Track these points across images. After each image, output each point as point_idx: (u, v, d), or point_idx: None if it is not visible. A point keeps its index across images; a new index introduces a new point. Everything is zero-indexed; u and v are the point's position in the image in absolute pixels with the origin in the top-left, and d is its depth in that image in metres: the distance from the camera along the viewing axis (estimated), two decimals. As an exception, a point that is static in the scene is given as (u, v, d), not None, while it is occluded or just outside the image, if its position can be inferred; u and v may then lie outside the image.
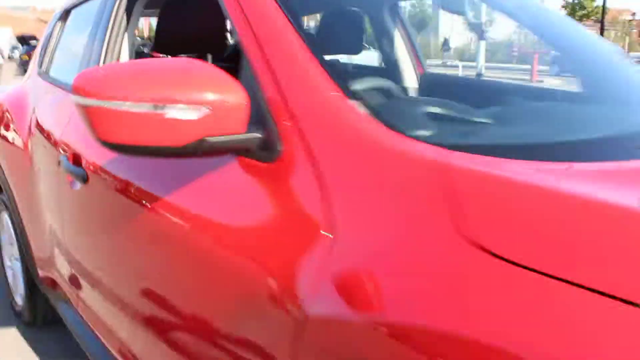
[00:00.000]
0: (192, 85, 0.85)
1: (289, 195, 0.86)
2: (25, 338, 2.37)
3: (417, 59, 2.19)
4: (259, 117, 0.90)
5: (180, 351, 1.12)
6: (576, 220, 0.62)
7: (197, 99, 0.84)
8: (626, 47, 26.95)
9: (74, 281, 1.74)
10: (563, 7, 30.08)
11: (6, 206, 2.34)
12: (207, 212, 0.99)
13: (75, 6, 2.13)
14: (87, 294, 1.67)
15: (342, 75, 1.01)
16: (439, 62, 22.91)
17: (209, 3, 1.21)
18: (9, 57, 34.68)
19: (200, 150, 0.88)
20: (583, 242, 0.59)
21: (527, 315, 0.54)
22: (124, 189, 1.26)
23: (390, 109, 1.04)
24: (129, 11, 1.62)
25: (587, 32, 1.71)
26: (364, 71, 1.76)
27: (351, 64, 1.66)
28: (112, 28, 1.61)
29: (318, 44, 1.23)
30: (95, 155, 1.37)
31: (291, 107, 0.88)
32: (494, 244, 0.61)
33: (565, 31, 1.60)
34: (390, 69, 2.11)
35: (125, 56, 1.62)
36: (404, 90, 1.36)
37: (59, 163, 1.56)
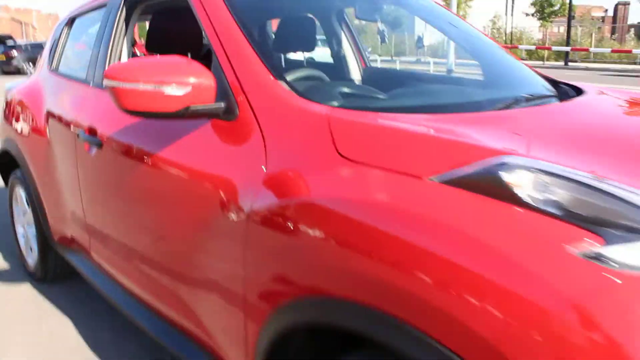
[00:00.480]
0: (180, 73, 1.36)
1: (242, 141, 1.38)
2: (38, 291, 2.85)
3: (361, 56, 2.73)
4: (223, 93, 1.42)
5: (167, 270, 1.64)
6: (400, 138, 1.14)
7: (183, 82, 1.35)
8: (593, 43, 27.74)
9: (89, 234, 2.23)
10: (532, 4, 30.98)
11: (21, 181, 2.82)
12: (189, 157, 1.50)
13: (78, 15, 2.63)
14: (100, 242, 2.16)
15: (274, 66, 1.53)
16: (414, 59, 23.58)
17: (189, 15, 1.72)
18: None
19: (185, 115, 1.39)
20: (403, 147, 1.10)
21: (373, 190, 1.06)
22: (129, 148, 1.77)
23: (304, 86, 1.56)
24: (127, 20, 2.13)
25: (485, 37, 2.29)
26: (293, 64, 2.25)
27: (285, 59, 2.14)
28: (115, 33, 2.12)
29: (264, 45, 1.75)
30: (106, 127, 1.88)
31: (242, 87, 1.40)
32: (352, 154, 1.13)
33: (473, 35, 2.19)
34: (336, 63, 2.64)
35: (125, 55, 2.13)
36: (323, 75, 1.86)
37: (77, 136, 2.05)
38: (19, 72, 22.03)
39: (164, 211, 1.65)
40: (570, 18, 26.34)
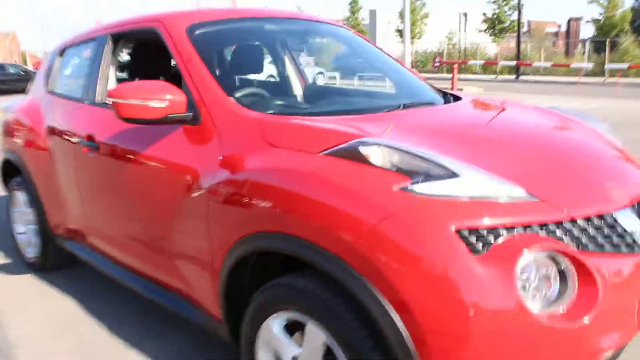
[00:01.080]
0: (161, 92, 1.98)
1: (204, 140, 1.99)
2: (40, 279, 3.37)
3: (301, 75, 3.37)
4: (190, 106, 2.04)
5: (152, 241, 2.24)
6: (304, 130, 1.77)
7: (163, 98, 1.97)
8: (542, 58, 29.27)
9: (87, 223, 2.79)
10: (484, 21, 32.50)
11: (21, 186, 3.35)
12: (166, 153, 2.11)
13: (69, 47, 3.22)
14: (97, 228, 2.73)
15: (226, 85, 2.14)
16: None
17: (161, 48, 2.34)
18: None
19: (164, 121, 2.01)
20: (305, 136, 1.74)
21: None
22: (120, 149, 2.37)
23: (246, 100, 2.17)
24: (113, 51, 2.74)
25: (395, 62, 2.99)
26: (244, 83, 2.83)
27: (238, 79, 2.73)
28: (103, 62, 2.72)
29: (221, 69, 2.38)
30: (101, 134, 2.47)
31: (204, 101, 2.03)
32: (275, 142, 1.77)
33: (380, 56, 2.90)
34: (281, 81, 3.28)
35: (112, 79, 2.73)
36: (263, 92, 2.49)
37: (78, 143, 2.63)
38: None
39: (147, 195, 2.25)
40: (519, 34, 27.86)
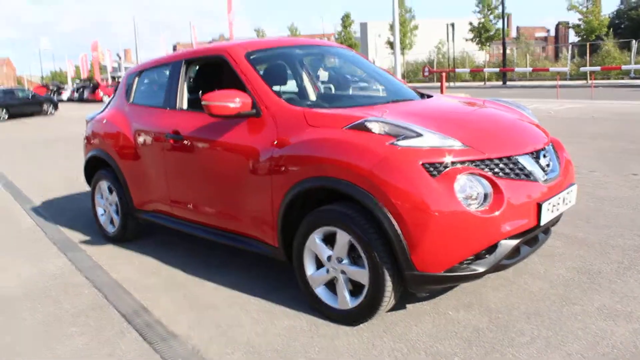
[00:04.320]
0: (235, 97, 3.07)
1: (264, 128, 3.08)
2: (121, 248, 4.44)
3: (315, 85, 4.47)
4: (254, 105, 3.13)
5: (227, 200, 3.32)
6: (331, 116, 2.86)
7: (234, 100, 3.06)
8: (527, 63, 30.65)
9: (167, 198, 3.86)
10: (471, 30, 33.93)
11: (105, 176, 4.43)
12: (237, 138, 3.19)
13: (145, 69, 4.34)
14: (178, 199, 3.79)
15: (275, 91, 3.23)
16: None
17: (223, 68, 3.44)
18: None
19: (238, 116, 3.10)
20: (333, 118, 2.82)
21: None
22: (200, 139, 3.45)
23: (291, 100, 3.24)
24: (186, 72, 3.84)
25: (385, 72, 4.09)
26: (285, 89, 3.89)
27: (282, 88, 3.76)
28: (180, 79, 3.81)
29: (269, 80, 3.46)
30: (185, 129, 3.56)
31: (263, 101, 3.12)
32: (313, 124, 2.86)
33: (379, 71, 4.01)
34: (302, 91, 4.36)
35: (185, 91, 3.81)
36: (297, 96, 3.56)
37: (164, 137, 3.71)
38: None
39: (222, 168, 3.32)
40: (504, 42, 29.21)
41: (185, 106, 3.78)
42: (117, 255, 4.23)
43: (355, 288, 2.75)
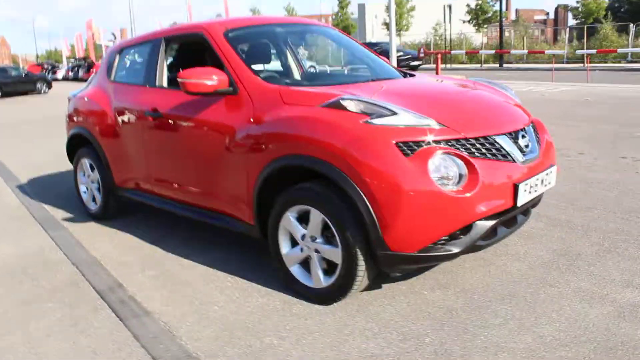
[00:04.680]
0: (212, 74, 3.01)
1: (240, 105, 3.03)
2: (102, 225, 4.41)
3: (300, 64, 4.40)
4: (231, 82, 3.07)
5: (203, 178, 3.27)
6: (307, 93, 2.82)
7: (212, 78, 3.00)
8: (525, 46, 30.43)
9: (148, 176, 3.82)
10: (468, 12, 33.62)
11: (87, 154, 4.38)
12: (214, 116, 3.14)
13: (125, 47, 4.26)
14: (158, 177, 3.75)
15: (252, 69, 3.17)
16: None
17: (203, 45, 3.37)
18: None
19: (215, 93, 3.05)
20: (308, 96, 2.78)
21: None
22: (178, 116, 3.40)
23: (267, 77, 3.20)
24: (165, 49, 3.77)
25: (368, 51, 4.03)
26: (264, 67, 3.84)
27: (261, 66, 3.72)
28: (159, 57, 3.75)
29: (248, 58, 3.40)
30: (163, 107, 3.50)
31: (240, 79, 3.07)
32: (288, 101, 2.81)
33: (363, 50, 3.95)
34: (283, 69, 4.30)
35: (165, 69, 3.75)
36: (276, 74, 3.50)
37: (143, 115, 3.65)
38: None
39: (200, 146, 3.28)
40: (501, 24, 28.94)
41: (165, 84, 3.72)
42: (98, 233, 4.20)
43: (330, 267, 2.73)
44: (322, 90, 2.86)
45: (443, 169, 2.42)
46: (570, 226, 3.79)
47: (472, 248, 2.60)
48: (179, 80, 3.03)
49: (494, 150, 2.59)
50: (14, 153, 8.39)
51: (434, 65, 19.56)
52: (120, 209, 4.48)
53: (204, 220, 3.42)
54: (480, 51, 29.12)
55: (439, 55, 18.96)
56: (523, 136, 2.78)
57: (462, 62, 32.22)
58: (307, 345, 2.43)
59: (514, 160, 2.64)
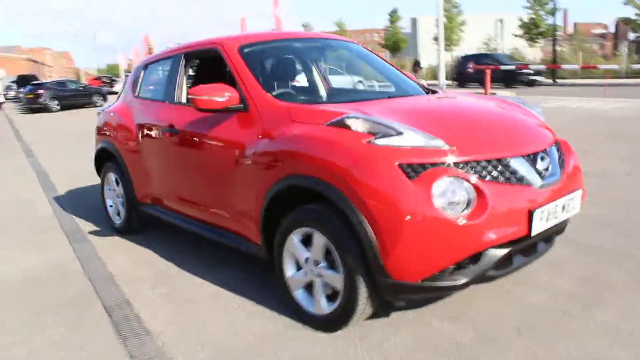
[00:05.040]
0: (222, 91, 2.99)
1: (251, 122, 2.99)
2: (125, 240, 4.46)
3: (326, 81, 4.33)
4: (242, 99, 3.04)
5: (215, 196, 3.24)
6: (315, 112, 2.73)
7: (223, 95, 2.97)
8: (580, 61, 29.28)
9: (165, 192, 3.84)
10: (520, 26, 32.72)
11: (113, 169, 4.45)
12: (226, 132, 3.11)
13: (150, 63, 4.32)
14: (174, 194, 3.76)
15: (265, 85, 3.13)
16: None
17: (219, 61, 3.36)
18: (5, 96, 36.50)
19: (225, 110, 3.02)
20: (315, 114, 2.70)
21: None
22: (192, 133, 3.39)
23: (280, 95, 3.14)
24: (185, 65, 3.79)
25: (394, 68, 3.93)
26: (278, 84, 3.62)
27: (274, 81, 3.60)
28: (179, 73, 3.77)
29: (262, 74, 3.36)
30: (179, 123, 3.51)
31: (251, 96, 3.02)
32: (297, 119, 2.74)
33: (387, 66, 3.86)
34: (309, 85, 4.24)
35: (184, 85, 3.77)
36: (291, 91, 3.45)
37: (161, 130, 3.68)
38: (45, 109, 24.20)
39: (212, 163, 3.25)
40: (554, 38, 28.03)
41: (184, 100, 3.73)
42: (118, 247, 4.25)
43: (334, 293, 2.62)
44: (331, 108, 2.78)
45: (449, 193, 2.27)
46: (603, 252, 3.53)
47: (482, 278, 2.43)
48: (189, 96, 3.02)
49: (507, 174, 2.42)
50: (59, 164, 8.71)
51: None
52: (144, 223, 4.52)
53: (215, 238, 3.38)
54: (530, 66, 28.18)
55: (488, 71, 18.43)
56: (543, 158, 2.59)
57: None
58: (302, 374, 2.32)
59: (530, 185, 2.46)
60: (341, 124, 2.51)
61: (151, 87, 4.29)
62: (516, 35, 33.67)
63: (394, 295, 2.44)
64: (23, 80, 36.67)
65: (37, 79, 34.46)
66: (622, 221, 4.16)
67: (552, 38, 29.77)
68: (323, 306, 2.64)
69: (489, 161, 2.40)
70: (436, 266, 2.30)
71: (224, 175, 3.13)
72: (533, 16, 32.08)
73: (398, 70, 3.94)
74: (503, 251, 2.39)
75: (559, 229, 2.87)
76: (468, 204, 2.28)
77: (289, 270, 2.79)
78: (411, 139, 2.37)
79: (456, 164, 2.34)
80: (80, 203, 5.80)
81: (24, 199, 6.19)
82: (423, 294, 2.47)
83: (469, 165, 2.36)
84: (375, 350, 2.48)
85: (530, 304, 2.86)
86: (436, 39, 17.47)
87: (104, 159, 4.65)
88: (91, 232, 4.67)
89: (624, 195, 4.89)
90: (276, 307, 2.96)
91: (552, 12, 28.76)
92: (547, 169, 2.59)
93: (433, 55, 41.06)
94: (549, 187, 2.54)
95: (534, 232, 2.42)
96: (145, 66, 4.40)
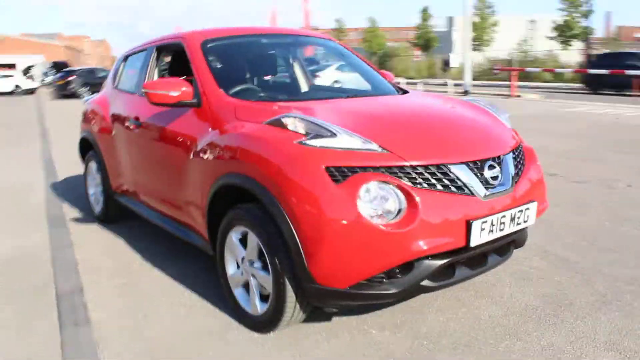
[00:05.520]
0: (177, 86, 2.96)
1: (203, 117, 2.94)
2: (102, 228, 4.49)
3: (308, 78, 4.24)
4: (196, 95, 3.00)
5: (170, 188, 3.22)
6: (254, 109, 2.67)
7: (176, 89, 2.94)
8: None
9: (133, 182, 3.85)
10: (554, 28, 31.75)
11: (93, 158, 4.49)
12: (180, 126, 3.08)
13: (130, 54, 4.33)
14: (140, 184, 3.77)
15: (220, 81, 3.07)
16: (441, 81, 25.52)
17: (183, 56, 3.33)
18: (42, 82, 37.36)
19: (179, 105, 2.99)
20: (255, 111, 2.64)
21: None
22: (151, 126, 3.38)
23: (232, 91, 3.08)
24: (157, 58, 3.78)
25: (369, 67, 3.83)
26: (234, 80, 3.40)
27: (229, 77, 3.42)
28: (150, 65, 3.76)
29: (221, 70, 3.31)
30: (142, 116, 3.50)
31: (204, 93, 2.98)
32: (241, 117, 2.68)
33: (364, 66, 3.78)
34: (270, 82, 4.08)
35: (155, 77, 3.76)
36: (257, 89, 3.40)
37: (129, 123, 3.68)
38: (74, 95, 24.76)
39: (167, 156, 3.22)
40: (588, 42, 27.14)
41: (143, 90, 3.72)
42: (93, 235, 4.28)
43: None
44: (274, 107, 2.71)
45: (376, 199, 2.18)
46: (576, 269, 3.36)
47: (417, 289, 2.34)
48: (143, 90, 3.00)
49: (446, 181, 2.31)
50: (69, 152, 8.83)
51: (515, 83, 18.55)
52: (124, 213, 4.54)
53: (172, 231, 3.36)
54: (557, 70, 27.33)
55: (515, 73, 17.99)
56: (491, 167, 2.47)
57: (547, 81, 30.43)
58: (221, 376, 2.28)
59: (472, 194, 2.34)
60: (278, 123, 2.45)
61: (126, 79, 4.30)
62: (550, 38, 32.73)
63: (320, 301, 2.37)
64: (57, 67, 37.54)
65: (67, 66, 35.18)
66: (606, 237, 3.96)
67: (585, 40, 28.84)
68: (257, 306, 2.58)
69: (426, 167, 2.29)
70: (362, 273, 2.22)
71: (179, 170, 3.11)
72: (567, 18, 31.13)
73: (373, 68, 3.84)
74: (439, 262, 2.29)
75: (517, 242, 2.75)
76: (397, 211, 2.19)
77: (230, 268, 2.75)
78: (344, 141, 2.29)
79: (389, 169, 2.25)
80: (73, 191, 5.87)
81: (22, 185, 6.31)
82: (351, 301, 2.38)
83: (403, 170, 2.26)
84: (303, 356, 2.41)
85: (480, 320, 2.73)
86: (470, 38, 17.19)
87: (86, 148, 4.69)
88: (72, 219, 4.72)
89: (615, 210, 4.67)
90: (220, 304, 2.92)
91: (587, 15, 27.80)
92: (495, 178, 2.47)
93: (461, 54, 40.29)
94: (495, 198, 2.42)
95: (472, 244, 2.31)
96: (125, 58, 4.41)
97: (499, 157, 2.53)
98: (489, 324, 2.69)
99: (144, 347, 2.53)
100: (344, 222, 2.14)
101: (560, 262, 3.47)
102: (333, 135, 2.30)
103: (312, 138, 2.30)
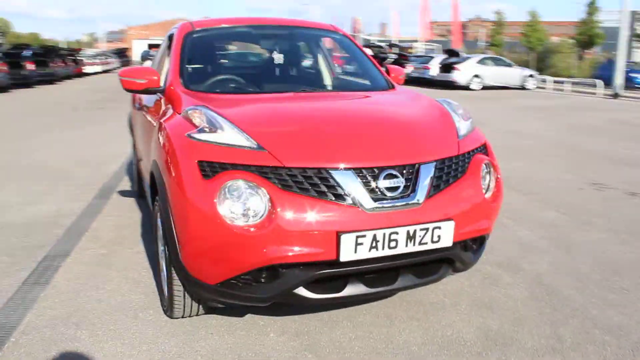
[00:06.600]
0: (145, 74, 3.14)
1: (163, 104, 3.09)
2: (134, 202, 4.91)
3: (331, 70, 4.15)
4: (164, 84, 3.16)
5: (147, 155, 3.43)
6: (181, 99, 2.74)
7: (145, 77, 3.12)
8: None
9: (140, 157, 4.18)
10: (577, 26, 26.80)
11: (131, 137, 4.94)
12: (150, 113, 3.28)
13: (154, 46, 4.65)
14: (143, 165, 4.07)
15: (183, 76, 3.16)
16: (591, 81, 22.96)
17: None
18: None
19: (145, 92, 3.18)
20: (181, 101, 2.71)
21: None
22: (142, 107, 3.63)
23: (188, 82, 3.16)
24: (167, 47, 4.02)
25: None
26: (198, 71, 3.50)
27: (196, 68, 3.47)
28: (163, 54, 4.02)
29: (194, 60, 3.42)
30: (141, 100, 3.77)
31: (171, 81, 3.12)
32: (175, 107, 2.77)
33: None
34: (262, 74, 4.01)
35: (166, 67, 4.02)
36: (222, 79, 3.45)
37: (137, 105, 4.01)
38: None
39: (145, 129, 3.45)
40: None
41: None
42: (122, 208, 4.69)
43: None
44: (196, 99, 2.76)
45: (235, 198, 2.12)
46: (558, 303, 2.91)
47: (294, 298, 2.23)
48: (119, 77, 3.23)
49: (323, 187, 2.16)
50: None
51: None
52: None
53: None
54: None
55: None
56: (393, 175, 2.25)
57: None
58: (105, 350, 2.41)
59: (353, 204, 2.16)
60: (185, 115, 2.50)
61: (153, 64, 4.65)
62: None
63: (196, 293, 2.39)
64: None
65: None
66: (592, 261, 3.34)
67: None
68: (165, 290, 2.68)
69: (303, 170, 2.17)
70: (224, 271, 2.20)
71: (148, 148, 3.31)
72: None
73: (373, 62, 3.70)
74: (309, 273, 2.17)
75: (456, 266, 2.48)
76: (257, 213, 2.11)
77: (160, 247, 2.86)
78: (227, 137, 2.27)
79: (260, 169, 2.17)
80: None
81: (104, 156, 7.06)
82: (222, 298, 2.32)
83: (276, 172, 2.16)
84: (186, 345, 2.45)
85: (390, 344, 2.51)
86: (637, 35, 15.14)
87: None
88: (120, 192, 5.24)
89: (615, 222, 3.89)
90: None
91: None
92: (394, 189, 2.24)
93: (636, 53, 35.30)
94: (388, 211, 2.20)
95: (343, 259, 2.14)
96: (149, 47, 4.76)
97: (409, 166, 2.30)
98: (396, 350, 2.46)
99: (64, 311, 2.76)
100: (202, 217, 2.13)
101: (540, 291, 3.04)
102: (219, 129, 2.29)
103: (199, 131, 2.31)
